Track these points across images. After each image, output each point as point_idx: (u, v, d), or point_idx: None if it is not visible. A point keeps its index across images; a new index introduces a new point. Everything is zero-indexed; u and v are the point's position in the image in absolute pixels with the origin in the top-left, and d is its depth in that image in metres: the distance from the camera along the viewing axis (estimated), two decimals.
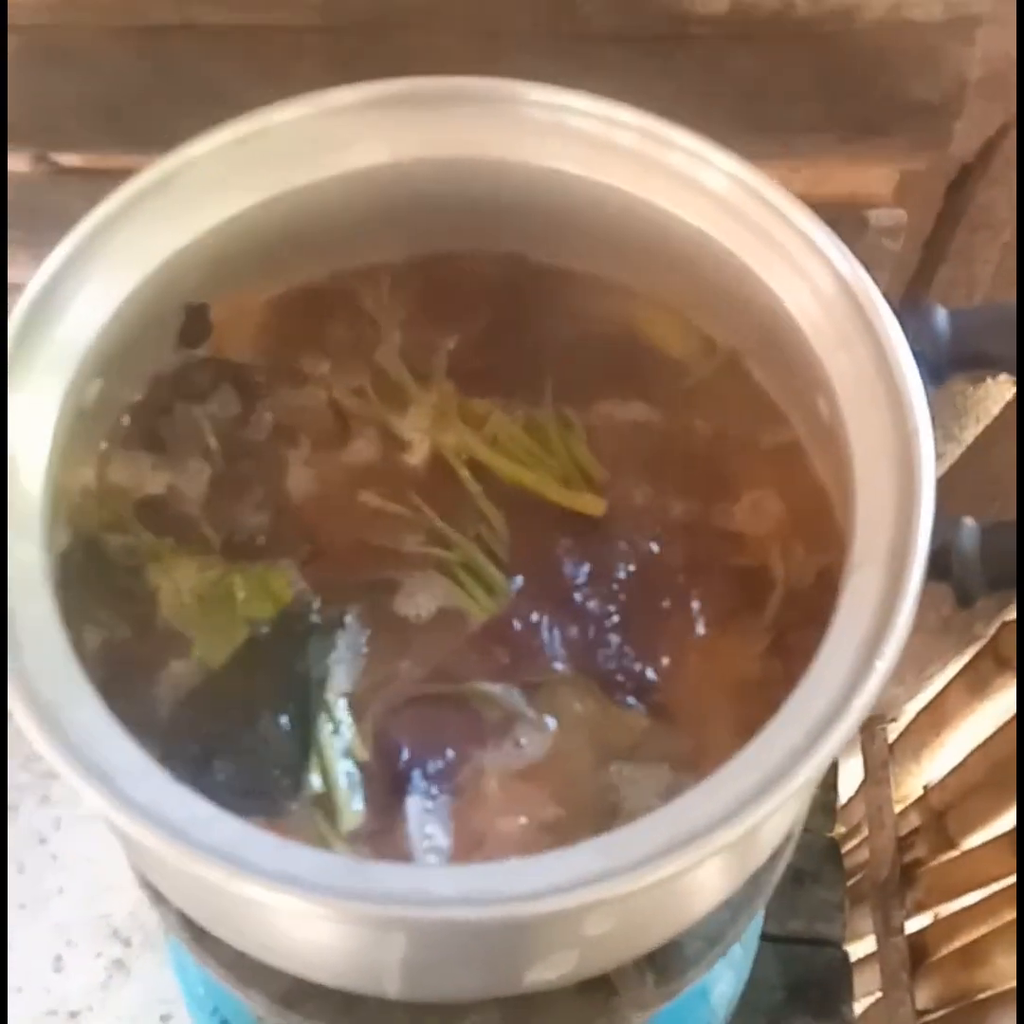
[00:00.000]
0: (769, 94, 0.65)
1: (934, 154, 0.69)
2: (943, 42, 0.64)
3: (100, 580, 0.56)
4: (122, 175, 0.73)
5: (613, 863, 0.41)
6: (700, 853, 0.41)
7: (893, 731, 1.18)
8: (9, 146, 0.72)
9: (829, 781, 1.22)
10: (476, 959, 0.47)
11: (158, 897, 0.58)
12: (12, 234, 0.78)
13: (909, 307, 0.53)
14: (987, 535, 0.48)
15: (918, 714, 1.12)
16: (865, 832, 1.17)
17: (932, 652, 1.05)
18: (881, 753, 1.18)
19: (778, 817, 0.51)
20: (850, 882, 1.18)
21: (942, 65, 0.65)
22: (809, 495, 0.58)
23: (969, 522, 0.49)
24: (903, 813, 1.14)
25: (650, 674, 0.55)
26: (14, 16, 0.65)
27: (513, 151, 0.56)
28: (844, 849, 1.19)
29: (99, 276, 0.52)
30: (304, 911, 0.40)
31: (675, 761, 0.53)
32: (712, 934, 0.59)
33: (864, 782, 1.18)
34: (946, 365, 0.51)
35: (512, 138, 0.55)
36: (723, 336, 0.62)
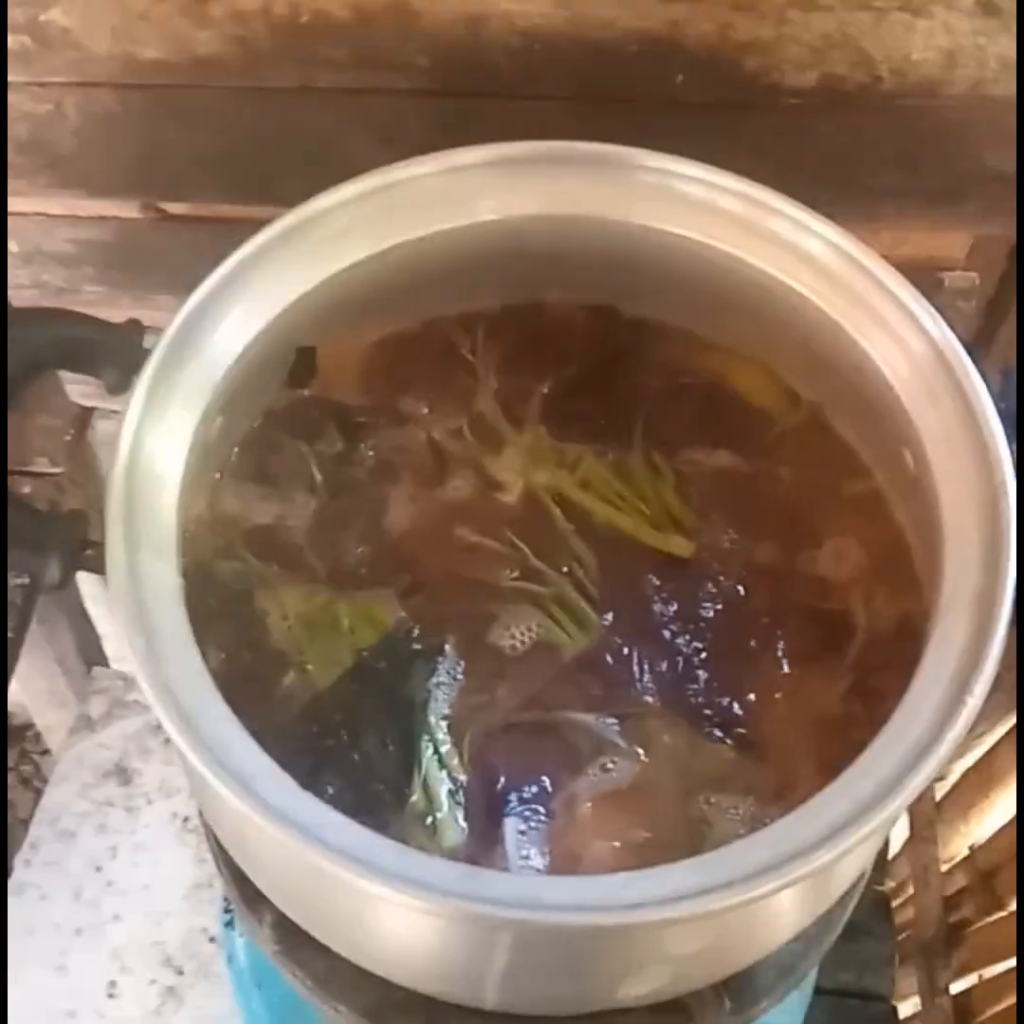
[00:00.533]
0: (855, 161, 0.69)
1: (1006, 220, 0.72)
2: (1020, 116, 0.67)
3: (214, 603, 0.59)
4: (225, 224, 0.78)
5: (714, 879, 0.43)
6: (795, 874, 0.43)
7: (940, 790, 1.19)
8: (123, 196, 0.77)
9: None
10: (574, 969, 0.49)
11: (253, 908, 0.60)
12: (115, 276, 0.82)
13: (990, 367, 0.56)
14: None
15: (965, 773, 1.12)
16: (911, 890, 1.17)
17: (982, 712, 1.06)
18: (928, 811, 1.18)
19: (860, 851, 0.53)
20: (897, 938, 1.18)
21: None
22: (890, 544, 0.61)
23: None
24: (949, 872, 1.14)
25: (736, 709, 0.57)
26: (141, 76, 0.69)
27: (619, 211, 0.59)
28: (892, 904, 1.20)
29: (230, 319, 0.56)
30: (424, 910, 0.42)
31: (760, 793, 0.55)
32: (785, 965, 0.61)
33: (910, 840, 1.19)
34: None
35: (619, 199, 0.59)
36: (808, 390, 0.64)
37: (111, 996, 1.13)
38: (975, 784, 1.10)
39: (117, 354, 0.53)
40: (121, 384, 0.53)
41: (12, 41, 0.68)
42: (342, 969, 0.56)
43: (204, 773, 0.44)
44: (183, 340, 0.54)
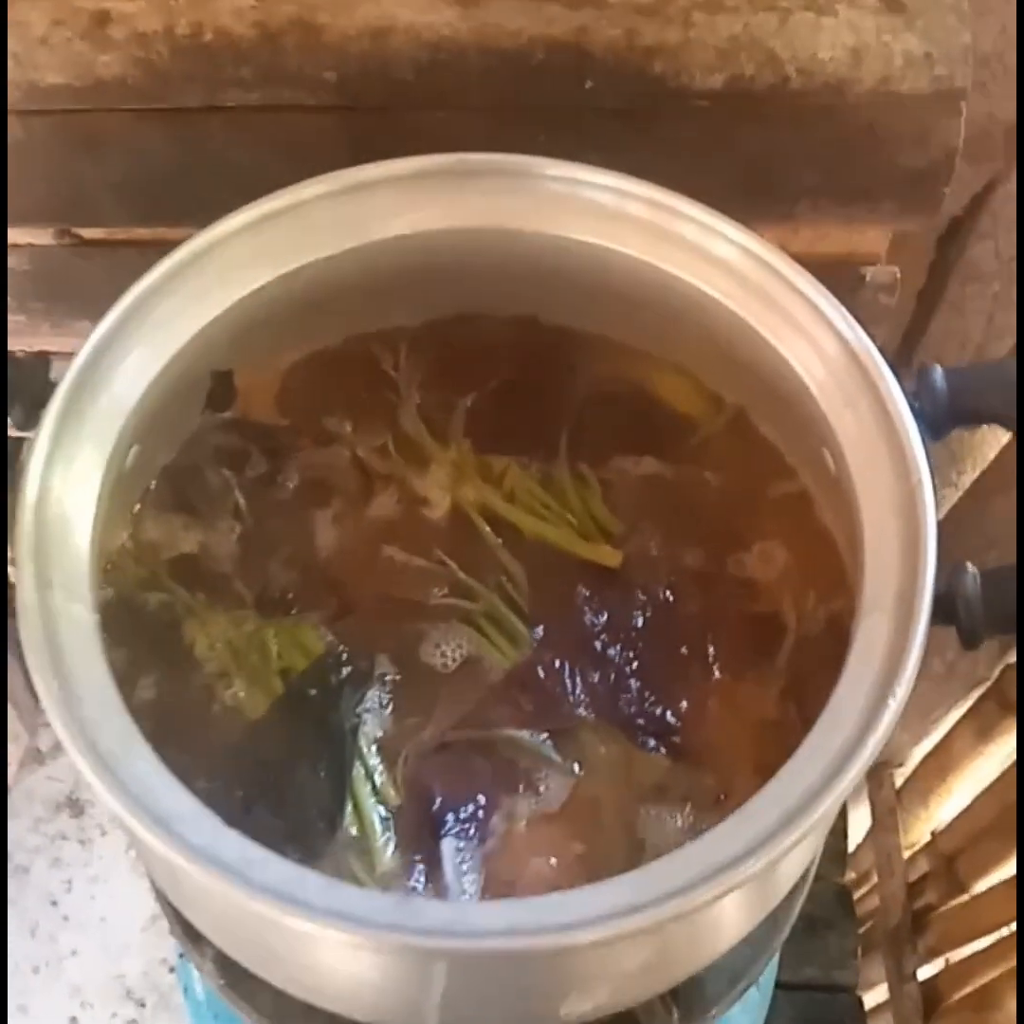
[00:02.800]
0: (768, 162, 0.69)
1: (924, 218, 0.72)
2: (931, 114, 0.67)
3: (140, 636, 0.58)
4: (141, 247, 0.77)
5: (647, 895, 0.43)
6: (727, 884, 0.43)
7: (900, 777, 1.19)
8: (34, 223, 0.75)
9: (839, 828, 1.23)
10: (513, 992, 0.48)
11: (196, 945, 0.59)
12: (34, 305, 0.80)
13: (907, 364, 0.56)
14: (988, 579, 0.51)
15: (924, 759, 1.13)
16: (875, 879, 1.18)
17: (937, 697, 1.07)
18: (888, 799, 1.19)
19: (797, 853, 0.53)
20: (861, 929, 1.18)
21: (931, 136, 0.68)
22: (817, 544, 0.61)
23: (971, 567, 0.51)
24: (912, 859, 1.15)
25: (670, 718, 0.57)
26: (44, 102, 0.68)
27: (529, 222, 0.59)
28: (855, 896, 1.20)
29: (138, 349, 0.55)
30: (354, 944, 0.41)
31: (697, 800, 0.55)
32: (734, 971, 0.61)
33: (872, 829, 1.19)
34: (945, 421, 0.54)
35: (528, 209, 0.58)
36: (730, 393, 0.64)
37: None
38: (934, 770, 1.11)
39: (23, 389, 0.52)
40: (29, 419, 0.52)
41: None
42: (288, 1002, 0.56)
43: (123, 816, 0.43)
44: (90, 373, 0.53)
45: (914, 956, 1.09)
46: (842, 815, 1.22)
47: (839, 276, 0.75)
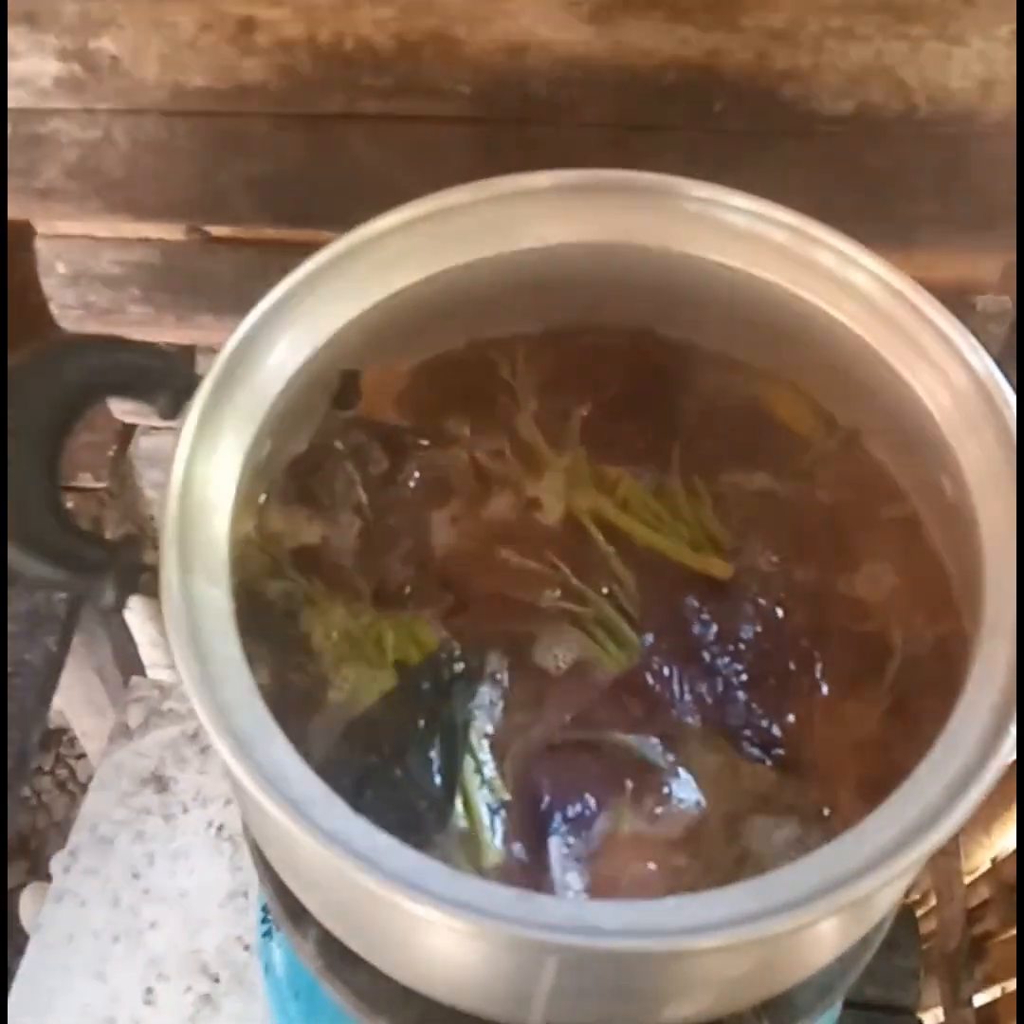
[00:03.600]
0: (891, 188, 0.70)
1: None
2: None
3: (261, 623, 0.60)
4: (266, 246, 0.79)
5: (766, 904, 0.44)
6: (845, 899, 0.44)
7: None
8: (169, 219, 0.78)
9: None
10: (620, 992, 0.49)
11: (298, 925, 0.61)
12: (159, 297, 0.83)
13: None
14: None
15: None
16: (934, 902, 1.17)
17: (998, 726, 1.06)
18: None
19: (905, 876, 0.54)
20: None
21: None
22: (926, 567, 0.61)
23: None
24: (973, 884, 1.14)
25: (776, 730, 0.58)
26: (188, 103, 0.70)
27: (660, 239, 0.60)
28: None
29: (280, 345, 0.57)
30: (476, 934, 0.43)
31: (802, 813, 0.56)
32: (824, 986, 0.61)
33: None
34: None
35: (661, 227, 0.60)
36: (844, 416, 0.65)
37: (148, 1003, 1.15)
38: (997, 796, 1.09)
39: (171, 380, 0.55)
40: (173, 409, 0.54)
41: (62, 68, 0.69)
42: (385, 985, 0.57)
43: (260, 798, 0.45)
44: (235, 365, 0.55)
45: (970, 982, 1.08)
46: None
47: (951, 304, 0.76)
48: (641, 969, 0.46)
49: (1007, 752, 0.46)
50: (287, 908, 0.62)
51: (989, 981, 1.06)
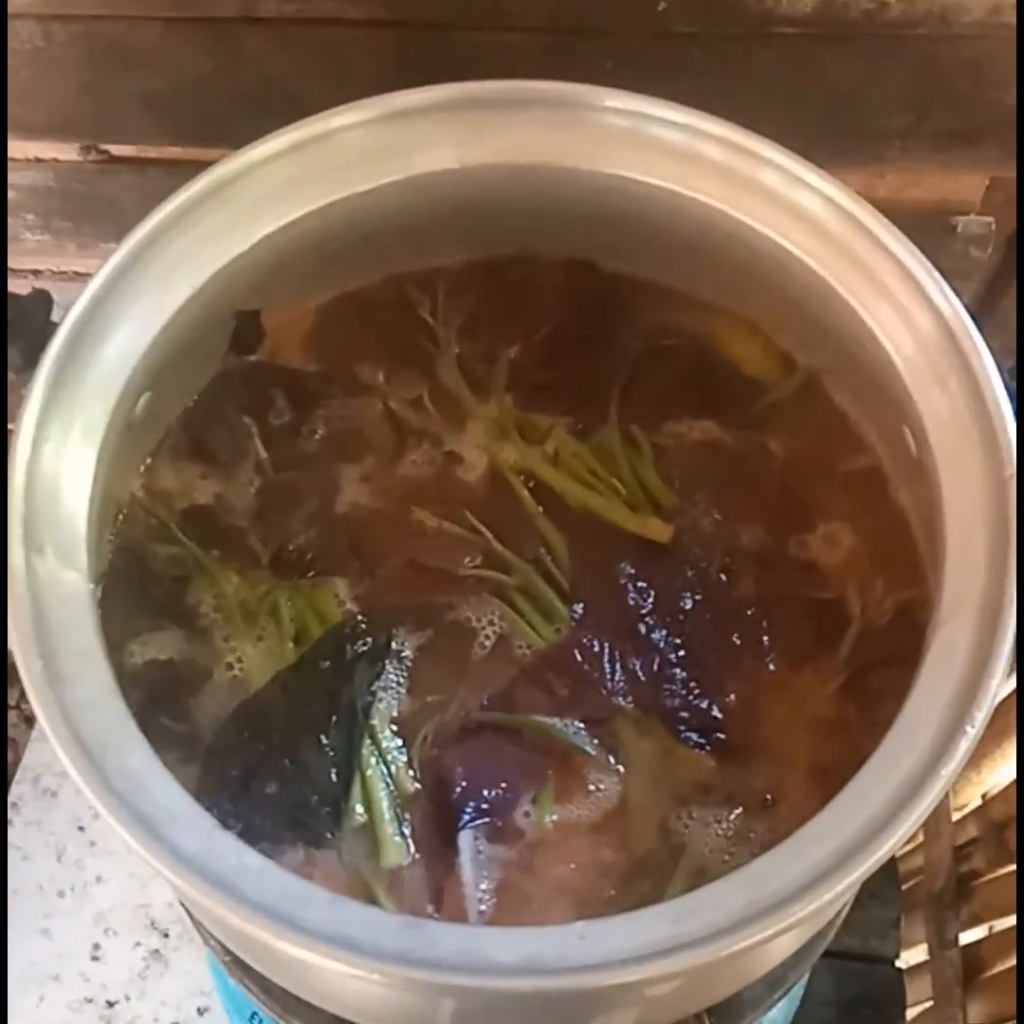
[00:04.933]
0: (858, 99, 0.62)
1: None
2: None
3: (145, 592, 0.54)
4: (173, 167, 0.72)
5: (682, 932, 0.38)
6: (773, 927, 0.38)
7: None
8: (58, 137, 0.70)
9: None
10: (531, 1018, 0.44)
11: (198, 925, 0.56)
12: (60, 224, 0.76)
13: (990, 315, 0.50)
14: None
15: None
16: (921, 839, 1.13)
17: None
18: None
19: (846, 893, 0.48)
20: (904, 887, 1.14)
21: None
22: (889, 526, 0.55)
23: None
24: (960, 822, 1.10)
25: (717, 711, 0.52)
26: (67, 6, 0.62)
27: (588, 159, 0.53)
28: (899, 854, 1.16)
29: (151, 289, 0.50)
30: (356, 976, 0.37)
31: (744, 803, 0.51)
32: (774, 980, 0.57)
33: None
34: None
35: (588, 145, 0.53)
36: (804, 356, 0.59)
37: (95, 959, 1.11)
38: (990, 733, 1.05)
39: (22, 330, 0.48)
40: (27, 363, 0.48)
41: None
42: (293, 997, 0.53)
43: (105, 815, 0.39)
44: (94, 316, 0.48)
45: (957, 922, 1.05)
46: None
47: (928, 226, 0.69)
48: (551, 1001, 0.41)
49: (961, 758, 0.41)
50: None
51: (975, 920, 1.02)
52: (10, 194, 0.74)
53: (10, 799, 1.15)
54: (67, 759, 0.40)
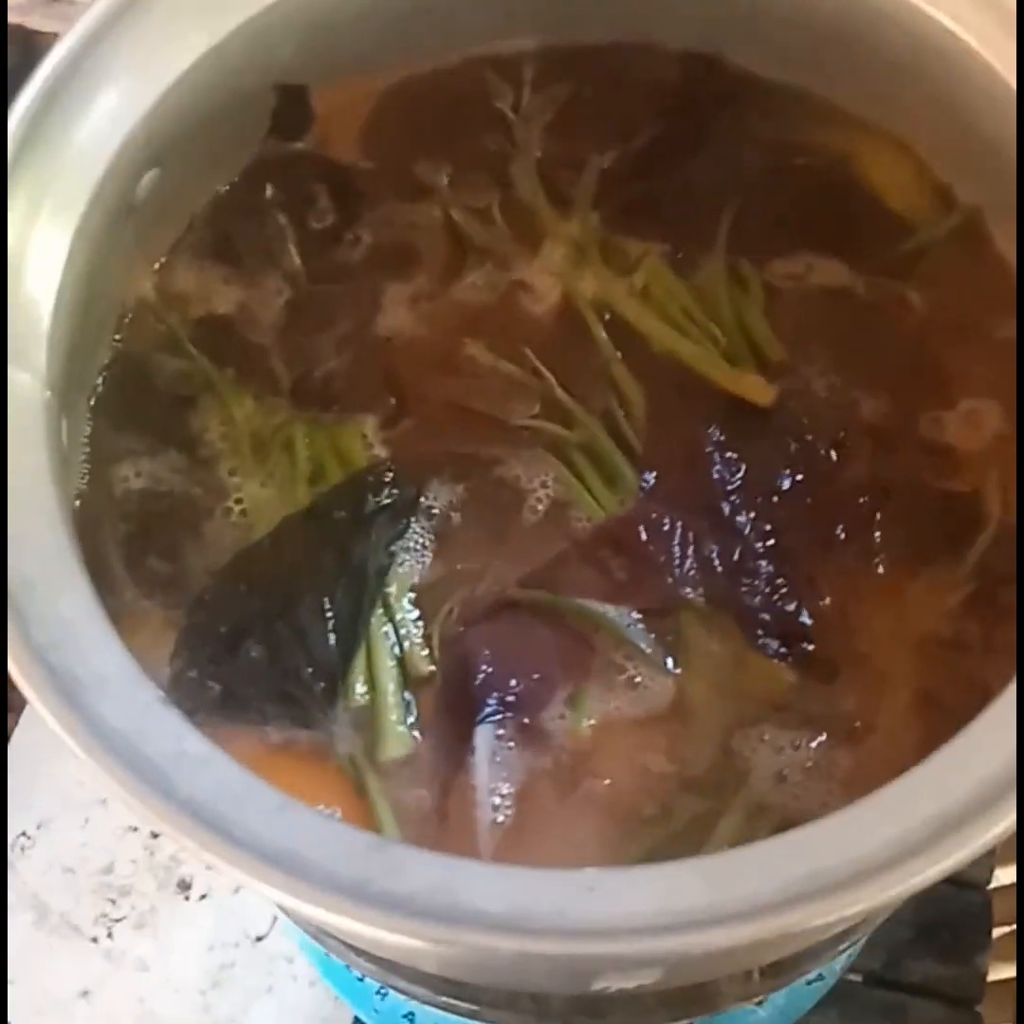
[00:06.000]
0: None
1: None
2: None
3: (145, 410, 0.46)
4: None
5: (718, 900, 0.30)
6: (837, 912, 0.29)
7: None
8: None
9: None
10: (524, 966, 0.37)
11: None
12: None
13: None
14: None
15: None
16: None
17: None
18: None
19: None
20: None
21: None
22: None
23: None
24: None
25: (806, 617, 0.43)
26: None
27: None
28: None
29: (155, 36, 0.41)
30: (297, 908, 0.30)
31: (828, 728, 0.41)
32: (830, 942, 0.48)
33: None
34: None
35: None
36: (967, 190, 0.47)
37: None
38: None
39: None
40: None
41: None
42: None
43: (16, 675, 0.31)
44: (80, 60, 0.39)
45: None
46: None
47: None
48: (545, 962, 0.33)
49: None
50: None
51: None
52: None
53: None
54: None
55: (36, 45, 0.62)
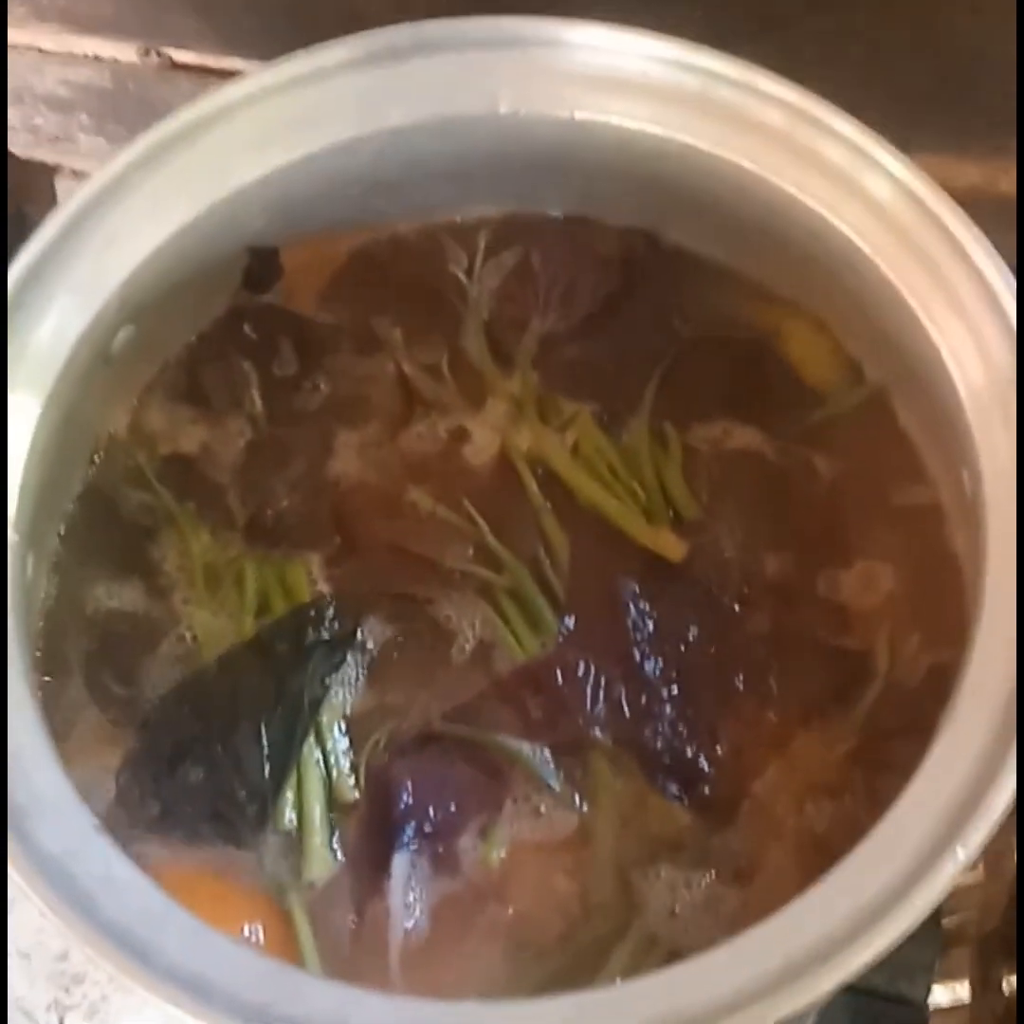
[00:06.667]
0: (985, 61, 0.53)
1: None
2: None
3: (109, 537, 0.51)
4: (232, 78, 0.66)
5: None
6: None
7: None
8: (115, 35, 0.66)
9: None
10: None
11: None
12: (113, 128, 0.72)
13: None
14: None
15: None
16: (981, 876, 1.05)
17: None
18: None
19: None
20: (947, 921, 1.07)
21: None
22: (938, 574, 0.48)
23: None
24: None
25: (704, 762, 0.46)
26: None
27: (639, 119, 0.46)
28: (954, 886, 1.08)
29: (139, 214, 0.46)
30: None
31: (718, 869, 0.45)
32: None
33: None
34: None
35: (641, 103, 0.46)
36: (873, 368, 0.52)
37: None
38: None
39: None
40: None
41: None
42: None
43: None
44: (64, 237, 0.44)
45: (1005, 966, 0.98)
46: None
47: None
48: None
49: (961, 865, 0.34)
50: None
51: None
52: (64, 92, 0.70)
53: None
54: None
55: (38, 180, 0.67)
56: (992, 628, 0.39)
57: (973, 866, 1.10)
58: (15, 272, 0.42)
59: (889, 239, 0.44)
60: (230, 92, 0.46)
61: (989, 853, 1.06)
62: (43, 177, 0.74)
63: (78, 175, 0.75)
